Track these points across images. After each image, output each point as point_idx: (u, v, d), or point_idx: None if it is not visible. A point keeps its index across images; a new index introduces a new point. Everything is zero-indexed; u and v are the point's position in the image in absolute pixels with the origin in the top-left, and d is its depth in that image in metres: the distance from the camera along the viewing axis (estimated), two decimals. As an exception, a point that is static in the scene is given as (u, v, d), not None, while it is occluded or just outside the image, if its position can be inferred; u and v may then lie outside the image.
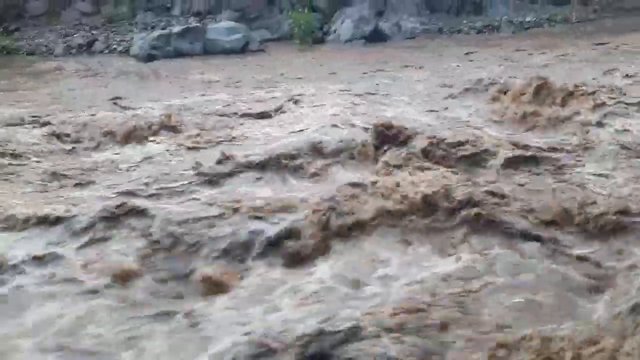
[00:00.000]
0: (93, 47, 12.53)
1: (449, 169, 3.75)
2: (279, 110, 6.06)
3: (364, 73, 8.50)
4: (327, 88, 7.07)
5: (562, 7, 13.42)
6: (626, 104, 5.00)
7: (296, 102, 6.24)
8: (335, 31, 12.20)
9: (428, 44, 11.44)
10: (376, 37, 12.00)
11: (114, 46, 12.49)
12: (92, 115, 5.84)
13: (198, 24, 12.56)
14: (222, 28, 12.04)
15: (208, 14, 13.47)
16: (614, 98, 5.09)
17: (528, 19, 13.01)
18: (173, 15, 13.81)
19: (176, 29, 12.03)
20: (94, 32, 13.29)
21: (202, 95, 7.34)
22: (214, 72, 9.55)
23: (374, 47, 11.43)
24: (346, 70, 8.98)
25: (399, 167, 3.82)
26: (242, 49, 11.68)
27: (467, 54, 9.91)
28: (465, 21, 13.06)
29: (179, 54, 11.44)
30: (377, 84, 7.38)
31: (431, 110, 5.71)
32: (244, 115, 5.96)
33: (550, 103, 5.08)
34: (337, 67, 9.32)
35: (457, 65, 8.72)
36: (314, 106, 5.96)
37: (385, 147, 4.17)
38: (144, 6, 14.04)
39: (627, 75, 6.50)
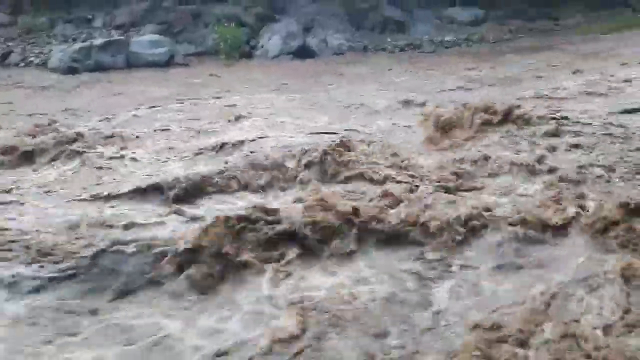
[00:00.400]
0: (8, 59, 11.97)
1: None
2: (248, 118, 6.06)
3: (317, 87, 8.57)
4: (290, 100, 7.13)
5: (479, 27, 14.18)
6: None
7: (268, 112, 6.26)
8: (262, 46, 12.27)
9: (359, 60, 11.67)
10: (304, 53, 12.16)
11: (31, 58, 11.96)
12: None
13: (121, 37, 12.27)
14: (145, 41, 11.81)
15: (131, 26, 13.20)
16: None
17: (447, 38, 13.61)
18: (94, 27, 13.43)
19: (98, 41, 11.70)
20: (9, 43, 12.68)
21: (154, 107, 7.14)
22: (151, 85, 9.32)
23: (304, 62, 11.56)
24: (293, 82, 9.03)
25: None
26: (167, 63, 11.52)
27: (390, 69, 10.22)
28: (389, 39, 13.49)
29: (100, 67, 11.10)
30: (334, 96, 7.51)
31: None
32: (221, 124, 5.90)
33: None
34: (281, 80, 9.35)
35: (402, 80, 8.96)
36: (298, 118, 6.04)
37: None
38: (64, 17, 13.61)
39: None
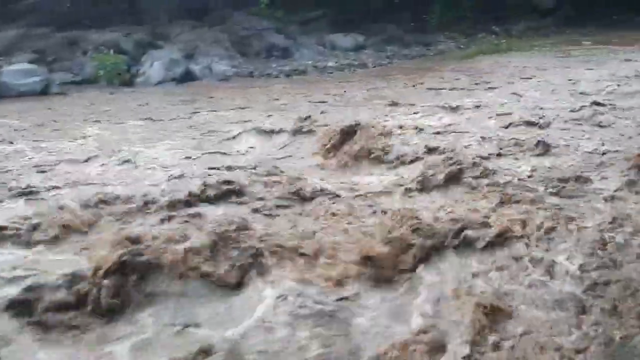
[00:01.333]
0: None
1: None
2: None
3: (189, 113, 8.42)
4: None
5: (359, 53, 14.89)
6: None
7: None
8: (144, 73, 12.02)
9: (242, 86, 11.70)
10: (187, 79, 12.06)
11: None
12: None
13: (-11, 67, 11.53)
14: (17, 70, 11.14)
15: (1, 55, 12.44)
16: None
17: (330, 64, 14.13)
18: (-41, 57, 12.52)
19: (-38, 72, 10.91)
20: None
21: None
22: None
23: (185, 89, 11.40)
24: (167, 110, 8.83)
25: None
26: (42, 93, 10.93)
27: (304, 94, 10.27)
28: (274, 65, 13.76)
29: (-35, 99, 10.32)
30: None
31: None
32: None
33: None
34: (155, 107, 9.11)
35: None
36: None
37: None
38: None
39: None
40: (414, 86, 9.96)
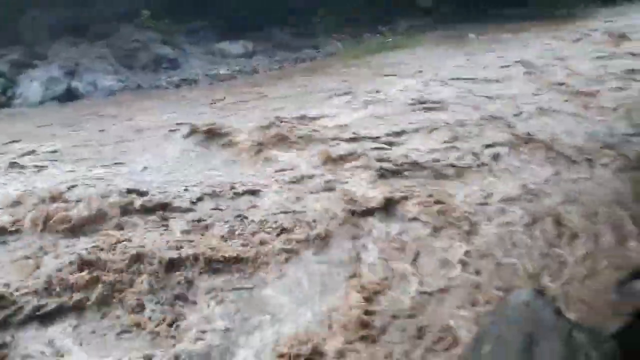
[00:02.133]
0: None
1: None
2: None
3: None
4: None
5: (250, 60, 14.98)
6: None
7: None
8: (22, 94, 11.46)
9: (128, 100, 11.49)
10: (70, 96, 11.64)
11: None
12: None
13: None
14: None
15: None
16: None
17: (222, 71, 14.10)
18: None
19: None
20: None
21: None
22: None
23: (66, 108, 11.01)
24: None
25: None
26: None
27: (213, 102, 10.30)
28: (163, 77, 13.53)
29: None
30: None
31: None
32: None
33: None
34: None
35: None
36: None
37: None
38: None
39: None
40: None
